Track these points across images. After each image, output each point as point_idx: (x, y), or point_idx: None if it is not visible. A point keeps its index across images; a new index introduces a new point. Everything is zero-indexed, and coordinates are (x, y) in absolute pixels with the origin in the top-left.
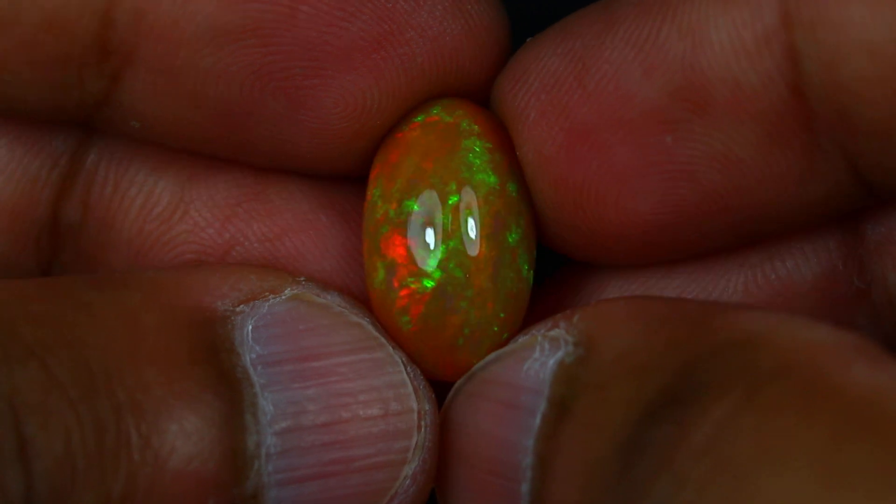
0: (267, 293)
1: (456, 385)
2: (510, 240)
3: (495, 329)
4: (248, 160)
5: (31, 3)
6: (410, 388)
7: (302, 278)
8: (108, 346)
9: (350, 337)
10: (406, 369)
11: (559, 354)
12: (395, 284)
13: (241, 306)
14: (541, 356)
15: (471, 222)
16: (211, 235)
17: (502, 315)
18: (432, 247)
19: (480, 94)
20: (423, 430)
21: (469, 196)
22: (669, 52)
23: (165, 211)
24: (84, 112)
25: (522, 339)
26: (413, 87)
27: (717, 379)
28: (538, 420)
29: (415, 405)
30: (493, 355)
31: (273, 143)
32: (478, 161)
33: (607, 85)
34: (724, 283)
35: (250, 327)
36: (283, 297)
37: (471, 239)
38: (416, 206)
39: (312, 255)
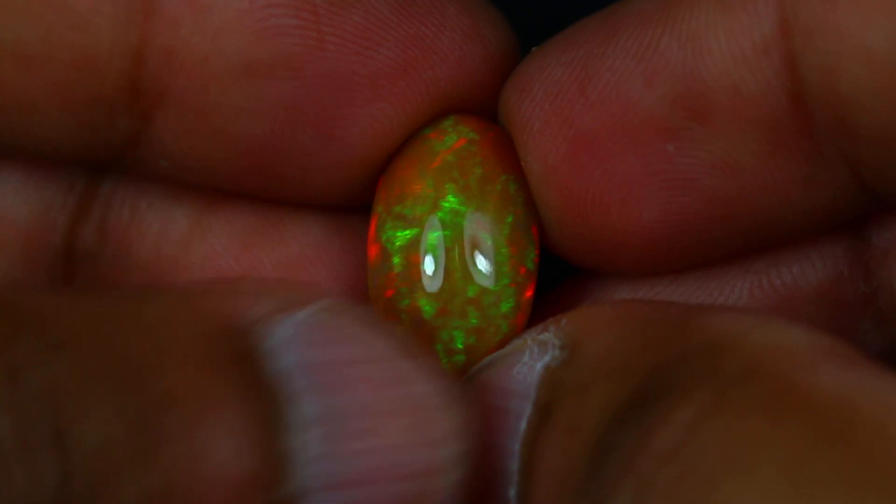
0: (302, 303)
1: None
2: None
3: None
4: (275, 195)
5: (62, 43)
6: (451, 397)
7: (332, 294)
8: (146, 346)
9: (386, 345)
10: (439, 380)
11: (546, 358)
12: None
13: (277, 315)
14: (530, 360)
15: (480, 259)
16: (228, 262)
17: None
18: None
19: (490, 110)
20: (463, 439)
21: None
22: (670, 61)
23: (184, 236)
24: (113, 153)
25: (515, 343)
26: (434, 109)
27: (685, 381)
28: (524, 424)
29: (451, 416)
30: (487, 359)
31: (301, 176)
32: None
33: (609, 94)
34: (730, 290)
35: (286, 334)
36: (319, 307)
37: (482, 273)
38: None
39: (325, 282)
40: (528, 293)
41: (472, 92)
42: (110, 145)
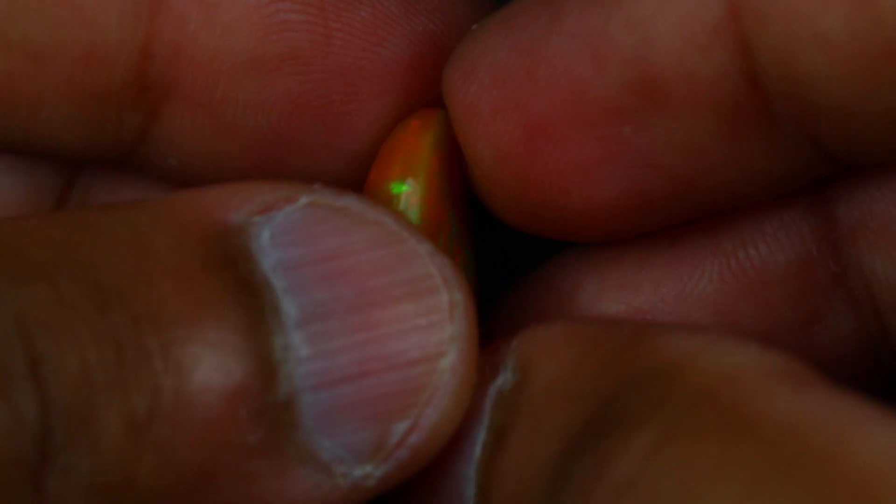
0: (282, 202)
1: None
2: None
3: None
4: None
5: (71, 38)
6: (439, 279)
7: (316, 185)
8: (120, 264)
9: (371, 234)
10: (432, 261)
11: (498, 381)
12: None
13: (257, 217)
14: (482, 382)
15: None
16: None
17: None
18: None
19: None
20: (455, 320)
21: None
22: (619, 45)
23: None
24: (121, 149)
25: None
26: (438, 102)
27: (637, 409)
28: (478, 449)
29: (444, 296)
30: None
31: (308, 172)
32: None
33: (559, 78)
34: (700, 273)
35: (267, 235)
36: (299, 204)
37: None
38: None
39: None
40: None
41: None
42: (119, 141)
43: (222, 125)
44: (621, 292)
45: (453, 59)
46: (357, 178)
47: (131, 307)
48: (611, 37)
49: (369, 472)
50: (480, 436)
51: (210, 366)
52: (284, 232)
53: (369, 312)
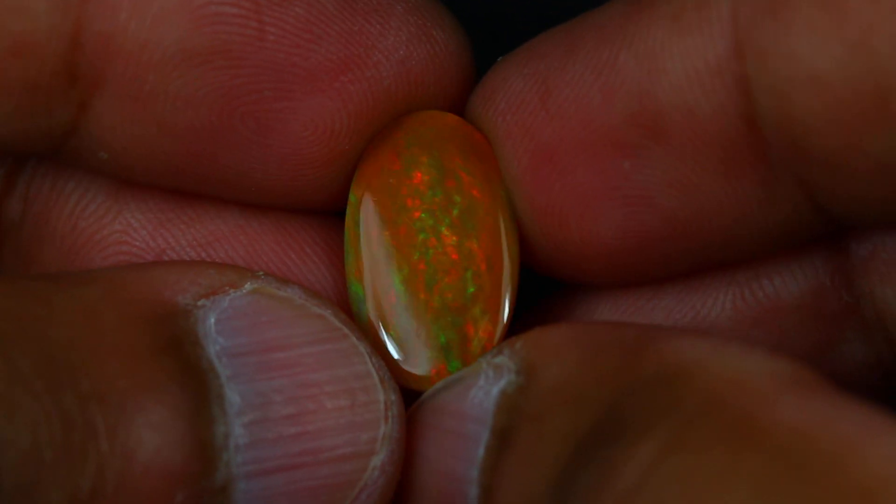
0: (227, 287)
1: (408, 413)
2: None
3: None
4: (219, 192)
5: (1, 27)
6: (376, 379)
7: (261, 273)
8: (70, 340)
9: (313, 328)
10: (370, 360)
11: (502, 383)
12: None
13: (202, 300)
14: (485, 384)
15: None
16: (143, 238)
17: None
18: None
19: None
20: (389, 420)
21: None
22: (627, 78)
23: (100, 209)
24: (52, 142)
25: (471, 366)
26: (380, 109)
27: (644, 416)
28: (482, 451)
29: (381, 396)
30: (441, 382)
31: (243, 172)
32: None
33: (569, 108)
34: (713, 302)
35: (213, 320)
36: (244, 291)
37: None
38: None
39: (242, 261)
40: None
41: (419, 93)
42: (49, 134)
43: (153, 118)
44: (634, 319)
45: (477, 88)
46: (288, 179)
47: (80, 385)
48: (620, 70)
49: None
50: (484, 437)
51: (152, 448)
52: (229, 318)
53: (306, 406)
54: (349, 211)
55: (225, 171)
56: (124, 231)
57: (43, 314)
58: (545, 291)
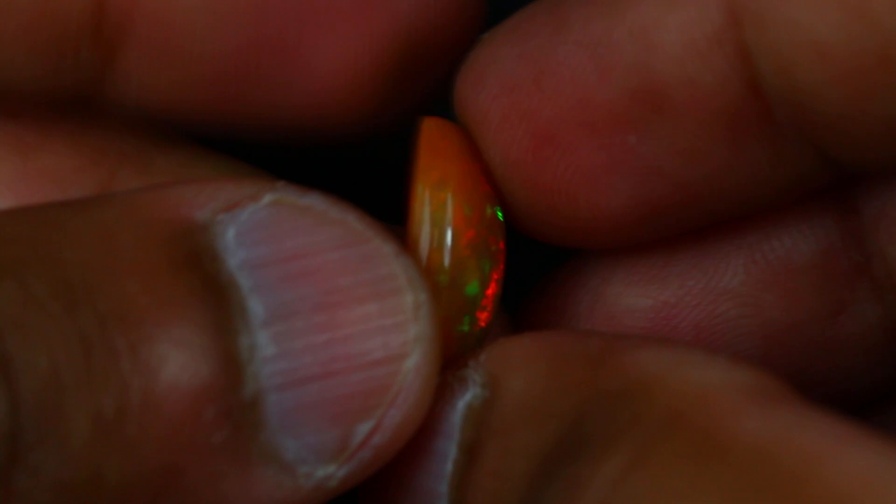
0: (246, 200)
1: None
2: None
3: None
4: (247, 133)
5: None
6: (403, 280)
7: (280, 183)
8: (86, 262)
9: (335, 233)
10: (396, 260)
11: (468, 396)
12: None
13: (221, 215)
14: (451, 398)
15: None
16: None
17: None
18: None
19: (456, 50)
20: (420, 320)
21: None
22: (622, 54)
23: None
24: (80, 90)
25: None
26: (403, 42)
27: (607, 432)
28: (450, 466)
29: (409, 296)
30: None
31: (269, 112)
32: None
33: (565, 87)
34: (725, 266)
35: (232, 233)
36: (263, 203)
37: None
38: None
39: None
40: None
41: (439, 25)
42: (78, 86)
43: (178, 64)
44: (648, 287)
45: (464, 69)
46: (316, 117)
47: (99, 306)
48: (614, 45)
49: (331, 473)
50: (451, 452)
51: (177, 365)
52: (249, 230)
53: (334, 312)
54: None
55: (253, 113)
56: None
57: (57, 238)
58: (558, 260)
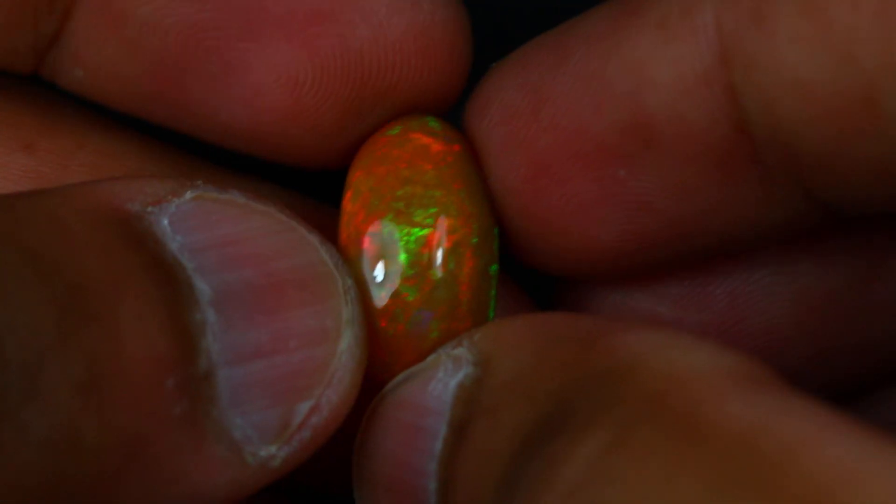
0: (170, 196)
1: (371, 406)
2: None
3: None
4: (187, 126)
5: None
6: (331, 265)
7: (199, 181)
8: (44, 239)
9: (262, 222)
10: (322, 248)
11: (460, 375)
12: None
13: (150, 207)
14: (444, 376)
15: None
16: None
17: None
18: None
19: (429, 95)
20: (349, 304)
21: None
22: (616, 89)
23: None
24: (36, 54)
25: (431, 358)
26: (351, 71)
27: (588, 411)
28: (440, 444)
29: (338, 281)
30: (402, 375)
31: (210, 110)
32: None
33: (561, 118)
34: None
35: (166, 222)
36: (187, 198)
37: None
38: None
39: None
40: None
41: (396, 61)
42: (35, 46)
43: (123, 40)
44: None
45: (472, 96)
46: (252, 125)
47: (66, 276)
48: (608, 79)
49: (273, 454)
50: (442, 430)
51: (139, 335)
52: (181, 220)
53: (271, 293)
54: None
55: (192, 104)
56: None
57: (12, 220)
58: (550, 288)
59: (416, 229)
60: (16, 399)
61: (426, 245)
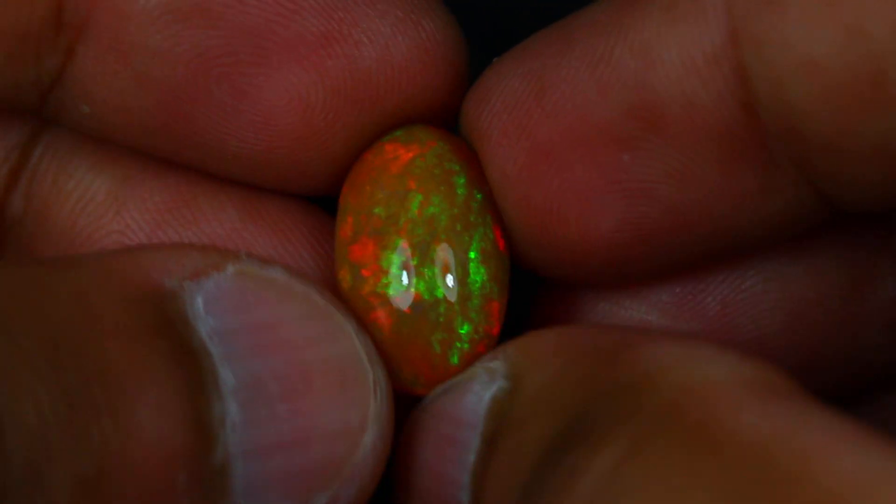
0: (210, 269)
1: (410, 416)
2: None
3: (469, 332)
4: (194, 158)
5: None
6: (363, 356)
7: (243, 253)
8: (68, 322)
9: (299, 307)
10: (357, 337)
11: (493, 388)
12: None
13: (188, 282)
14: (479, 389)
15: (450, 278)
16: (140, 239)
17: (474, 316)
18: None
19: (433, 112)
20: (378, 397)
21: (446, 253)
22: (623, 71)
23: (99, 208)
24: (39, 92)
25: (469, 370)
26: (359, 91)
27: (606, 423)
28: (473, 456)
29: (369, 373)
30: (441, 387)
31: (218, 139)
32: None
33: (565, 103)
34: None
35: (200, 301)
36: (228, 273)
37: (449, 288)
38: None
39: None
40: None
41: (402, 80)
42: (38, 83)
43: (132, 71)
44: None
45: (472, 89)
46: (262, 151)
47: (82, 366)
48: (615, 62)
49: None
50: (475, 443)
51: (153, 428)
52: (217, 299)
53: (297, 384)
54: None
55: (201, 134)
56: (122, 232)
57: (40, 297)
58: (542, 291)
59: None
60: (18, 498)
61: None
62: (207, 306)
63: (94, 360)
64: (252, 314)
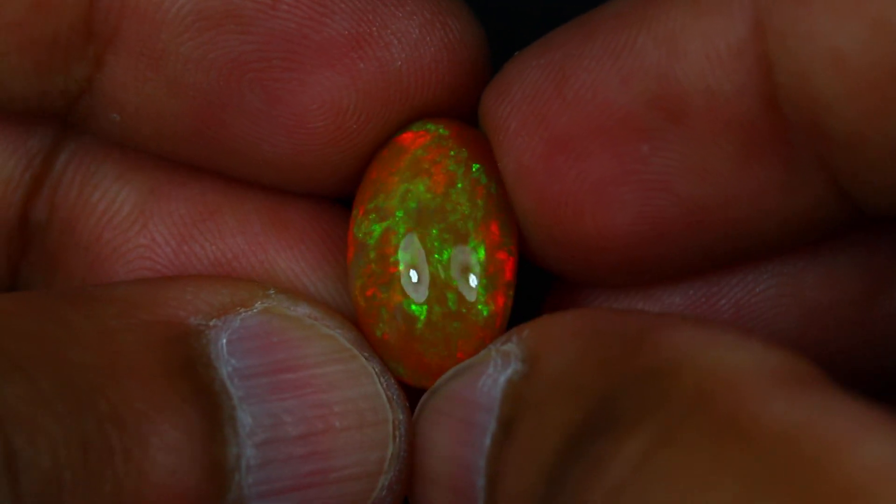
0: (238, 307)
1: (422, 400)
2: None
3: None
4: (225, 164)
5: None
6: (385, 399)
7: (271, 290)
8: (88, 362)
9: (323, 349)
10: (380, 380)
11: (509, 371)
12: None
13: (214, 321)
14: (493, 372)
15: (472, 278)
16: (167, 254)
17: (481, 307)
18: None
19: (458, 111)
20: (397, 440)
21: (465, 255)
22: (645, 61)
23: (125, 221)
24: (67, 100)
25: (482, 353)
26: (391, 92)
27: (634, 410)
28: (488, 440)
29: (389, 416)
30: (453, 370)
31: (251, 144)
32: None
33: (585, 94)
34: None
35: (224, 341)
36: (255, 311)
37: (471, 288)
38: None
39: (260, 279)
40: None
41: (431, 80)
42: (66, 91)
43: (163, 79)
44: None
45: (491, 82)
46: (295, 154)
47: (99, 407)
48: (638, 52)
49: None
50: (490, 426)
51: (167, 469)
52: (241, 339)
53: (316, 426)
54: None
55: (233, 140)
56: (148, 246)
57: (62, 336)
58: (554, 290)
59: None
60: None
61: None
62: (231, 346)
63: (111, 402)
64: (275, 355)
